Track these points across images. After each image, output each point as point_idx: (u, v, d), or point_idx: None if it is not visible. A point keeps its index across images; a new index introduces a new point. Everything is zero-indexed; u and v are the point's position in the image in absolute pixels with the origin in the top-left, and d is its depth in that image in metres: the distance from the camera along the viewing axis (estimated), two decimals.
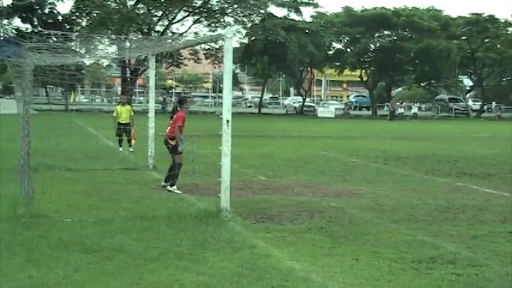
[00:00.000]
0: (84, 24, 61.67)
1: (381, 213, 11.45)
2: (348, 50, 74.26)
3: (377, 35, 74.45)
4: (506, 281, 7.26)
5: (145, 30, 59.25)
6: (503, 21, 78.19)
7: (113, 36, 34.17)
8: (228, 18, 65.38)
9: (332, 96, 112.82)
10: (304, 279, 7.05)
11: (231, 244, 8.59)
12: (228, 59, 10.64)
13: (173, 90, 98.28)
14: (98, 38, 23.15)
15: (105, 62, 79.26)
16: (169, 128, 13.43)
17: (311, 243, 8.97)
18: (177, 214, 10.35)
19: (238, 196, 12.54)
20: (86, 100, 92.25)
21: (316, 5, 73.45)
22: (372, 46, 74.43)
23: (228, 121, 10.45)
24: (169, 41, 31.67)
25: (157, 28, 62.99)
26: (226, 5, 64.24)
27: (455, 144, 29.73)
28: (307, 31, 67.98)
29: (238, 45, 67.00)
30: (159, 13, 62.96)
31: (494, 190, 14.61)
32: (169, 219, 9.96)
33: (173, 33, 61.59)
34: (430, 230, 10.04)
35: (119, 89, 78.53)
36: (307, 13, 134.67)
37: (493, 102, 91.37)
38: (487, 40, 78.08)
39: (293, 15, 71.39)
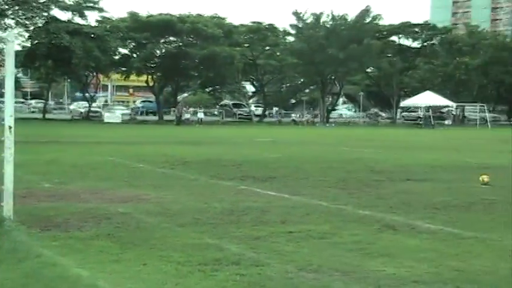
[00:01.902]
0: None
1: (168, 217, 11.60)
2: (134, 55, 74.08)
3: (163, 40, 74.96)
4: (286, 279, 7.66)
5: None
6: (282, 30, 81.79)
7: None
8: (8, 21, 62.90)
9: (119, 101, 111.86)
10: (92, 287, 7.02)
11: (15, 254, 8.34)
12: (10, 63, 10.30)
13: None
14: None
15: None
16: None
17: (98, 249, 8.91)
18: None
19: (22, 204, 12.13)
20: None
21: (101, 10, 72.65)
22: (158, 52, 74.83)
23: (10, 127, 10.13)
24: None
25: None
26: (6, 7, 61.71)
27: (239, 149, 30.66)
28: (92, 35, 67.12)
29: (20, 49, 64.60)
30: None
31: (276, 192, 15.25)
32: None
33: None
34: (215, 232, 10.34)
35: None
36: (92, 17, 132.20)
37: (274, 108, 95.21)
38: (267, 48, 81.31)
39: (78, 19, 70.14)
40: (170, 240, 9.59)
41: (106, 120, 66.90)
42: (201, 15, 77.28)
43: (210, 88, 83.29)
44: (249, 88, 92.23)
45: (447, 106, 78.44)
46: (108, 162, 22.25)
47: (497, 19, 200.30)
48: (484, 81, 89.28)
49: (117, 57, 74.56)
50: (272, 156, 25.87)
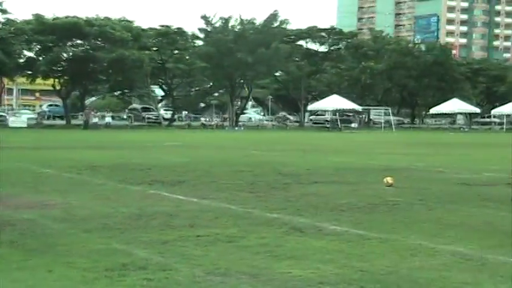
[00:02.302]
0: None
1: (74, 223, 11.43)
2: (40, 58, 72.53)
3: (70, 44, 73.69)
4: (193, 283, 7.69)
5: None
6: (190, 34, 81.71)
7: None
8: None
9: (24, 106, 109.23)
10: None
11: None
12: None
13: None
14: None
15: None
16: None
17: (0, 258, 8.71)
18: None
19: None
20: None
21: (4, 11, 70.90)
22: (65, 55, 73.49)
23: None
24: None
25: None
26: None
27: (148, 153, 30.47)
28: None
29: None
30: None
31: (184, 196, 15.24)
32: None
33: None
34: (122, 237, 10.26)
35: None
36: None
37: (184, 111, 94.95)
38: (176, 51, 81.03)
39: None
40: (76, 246, 9.47)
41: (11, 125, 65.29)
42: (109, 18, 76.36)
43: (119, 92, 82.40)
44: (158, 92, 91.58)
45: (353, 109, 79.96)
46: (14, 167, 21.72)
47: (400, 25, 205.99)
48: (388, 85, 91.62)
49: (22, 61, 72.86)
50: (181, 160, 25.81)
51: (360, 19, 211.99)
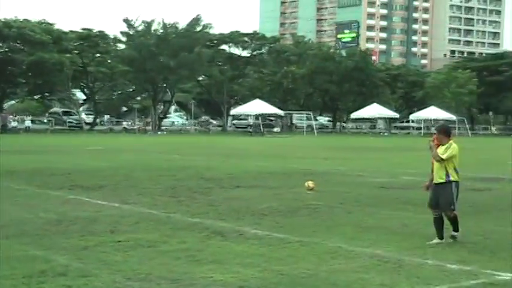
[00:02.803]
0: None
1: None
2: None
3: None
4: None
5: None
6: (112, 37, 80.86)
7: None
8: None
9: None
10: None
11: None
12: None
13: None
14: None
15: None
16: None
17: None
18: None
19: None
20: None
21: None
22: None
23: None
24: None
25: None
26: None
27: (69, 157, 30.01)
28: None
29: None
30: None
31: (105, 201, 15.09)
32: None
33: None
34: (41, 243, 10.10)
35: None
36: None
37: (106, 115, 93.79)
38: (98, 55, 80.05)
39: None
40: None
41: None
42: (28, 20, 74.86)
43: (39, 95, 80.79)
44: (80, 95, 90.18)
45: (276, 114, 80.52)
46: None
47: (322, 30, 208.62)
48: (310, 89, 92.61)
49: None
50: (102, 165, 25.53)
51: (282, 24, 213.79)
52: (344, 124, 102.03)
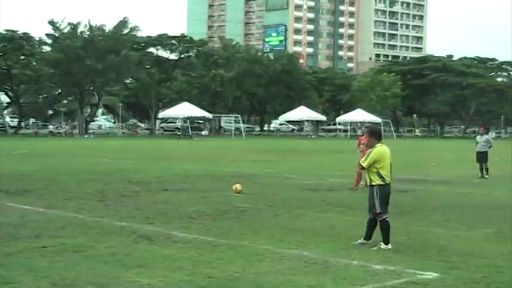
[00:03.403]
0: None
1: None
2: None
3: None
4: None
5: None
6: (37, 39, 79.46)
7: None
8: None
9: None
10: None
11: None
12: None
13: None
14: None
15: None
16: None
17: None
18: None
19: None
20: None
21: None
22: None
23: None
24: None
25: None
26: None
27: None
28: None
29: None
30: None
31: (31, 206, 14.83)
32: None
33: None
34: None
35: None
36: None
37: (31, 119, 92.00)
38: (23, 57, 78.51)
39: None
40: None
41: None
42: None
43: None
44: (4, 98, 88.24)
45: (204, 117, 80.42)
46: None
47: (250, 33, 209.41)
48: (238, 93, 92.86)
49: None
50: (27, 169, 25.05)
51: (210, 27, 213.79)
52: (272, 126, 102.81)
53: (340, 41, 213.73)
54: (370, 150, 10.78)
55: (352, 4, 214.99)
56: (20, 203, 15.30)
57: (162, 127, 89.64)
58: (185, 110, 76.18)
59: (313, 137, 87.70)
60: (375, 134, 11.03)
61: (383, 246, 10.46)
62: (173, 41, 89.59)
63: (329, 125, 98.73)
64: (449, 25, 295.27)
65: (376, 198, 10.59)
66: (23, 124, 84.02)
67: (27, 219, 12.93)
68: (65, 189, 18.50)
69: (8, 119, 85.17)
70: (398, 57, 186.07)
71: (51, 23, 77.30)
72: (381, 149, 10.73)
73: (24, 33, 78.60)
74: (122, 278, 8.30)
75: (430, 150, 49.19)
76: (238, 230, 12.12)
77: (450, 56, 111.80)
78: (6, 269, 8.72)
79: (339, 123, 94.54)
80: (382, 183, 10.62)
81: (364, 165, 10.64)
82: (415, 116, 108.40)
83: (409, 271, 9.00)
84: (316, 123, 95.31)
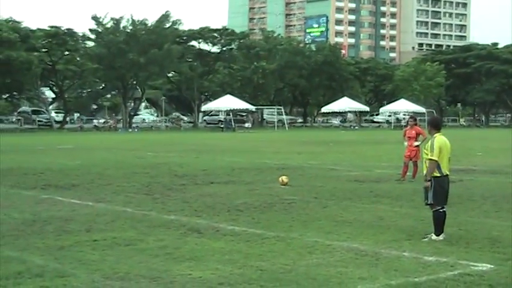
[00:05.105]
0: None
1: None
2: None
3: None
4: None
5: None
6: (81, 34, 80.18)
7: None
8: None
9: None
10: None
11: None
12: None
13: None
14: None
15: None
16: None
17: None
18: None
19: None
20: None
21: None
22: None
23: None
24: None
25: None
26: None
27: (40, 157, 29.69)
28: None
29: None
30: None
31: (79, 200, 14.99)
32: None
33: None
34: (16, 244, 10.00)
35: None
36: None
37: (75, 114, 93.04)
38: (67, 53, 79.26)
39: None
40: None
41: None
42: None
43: (7, 95, 79.90)
44: (49, 94, 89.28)
45: (247, 109, 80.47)
46: None
47: (291, 25, 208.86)
48: (280, 84, 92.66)
49: None
50: (74, 164, 25.32)
51: (251, 19, 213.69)
52: (314, 118, 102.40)
53: (382, 31, 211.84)
54: (430, 141, 10.63)
55: None
56: (68, 197, 15.47)
57: (204, 120, 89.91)
58: (227, 102, 76.27)
59: (356, 128, 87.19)
60: (433, 124, 10.95)
61: (434, 237, 10.36)
62: (215, 34, 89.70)
63: (372, 115, 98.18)
64: (493, 12, 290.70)
65: (430, 189, 10.48)
66: (68, 119, 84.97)
67: (77, 213, 13.06)
68: (111, 183, 18.65)
69: (53, 114, 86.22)
70: (442, 46, 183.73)
71: (95, 18, 77.96)
72: (442, 138, 10.62)
73: (68, 29, 79.36)
74: (173, 271, 8.33)
75: (476, 139, 48.51)
76: (287, 222, 12.09)
77: (495, 44, 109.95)
78: (60, 262, 8.81)
79: (382, 114, 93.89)
80: (438, 174, 10.49)
81: (435, 158, 10.40)
82: (459, 105, 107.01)
83: (462, 263, 8.88)
84: (359, 114, 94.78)
